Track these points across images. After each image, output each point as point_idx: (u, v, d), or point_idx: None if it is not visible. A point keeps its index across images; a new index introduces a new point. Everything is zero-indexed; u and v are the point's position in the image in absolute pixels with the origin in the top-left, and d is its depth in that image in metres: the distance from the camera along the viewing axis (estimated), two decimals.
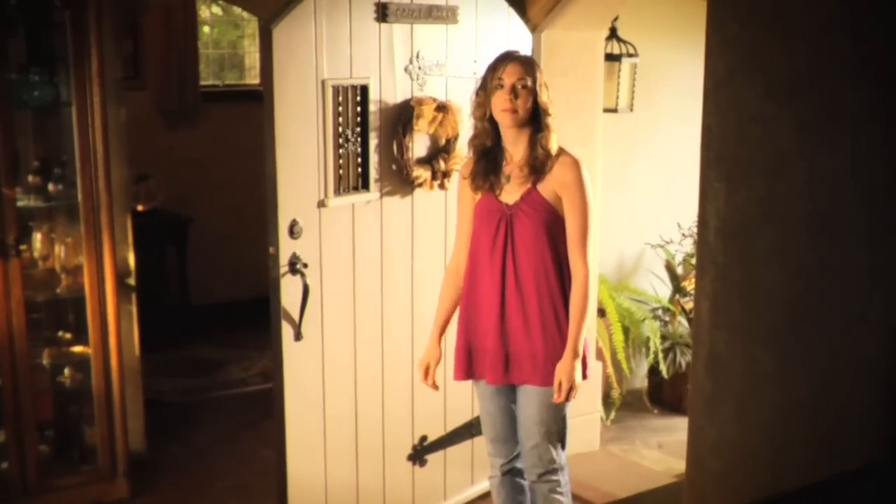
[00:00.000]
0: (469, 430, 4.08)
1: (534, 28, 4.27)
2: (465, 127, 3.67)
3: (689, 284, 5.32)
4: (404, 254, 3.82)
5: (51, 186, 3.89)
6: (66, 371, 4.02)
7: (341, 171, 3.55)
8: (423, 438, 3.97)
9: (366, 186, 3.64)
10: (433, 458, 4.01)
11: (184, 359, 5.90)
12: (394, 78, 3.67)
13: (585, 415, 4.61)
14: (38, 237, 3.92)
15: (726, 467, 2.31)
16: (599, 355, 4.92)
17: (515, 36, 4.10)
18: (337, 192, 3.53)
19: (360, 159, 3.61)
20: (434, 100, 3.77)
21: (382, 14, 3.58)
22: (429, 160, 3.82)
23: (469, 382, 3.29)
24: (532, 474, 3.18)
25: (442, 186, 3.86)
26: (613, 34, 4.91)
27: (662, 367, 5.17)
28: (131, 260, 4.29)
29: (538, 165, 3.02)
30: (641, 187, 5.44)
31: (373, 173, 3.64)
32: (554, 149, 3.04)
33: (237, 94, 6.92)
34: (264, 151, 3.35)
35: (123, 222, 4.21)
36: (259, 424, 4.76)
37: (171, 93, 6.47)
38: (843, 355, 2.12)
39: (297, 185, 3.42)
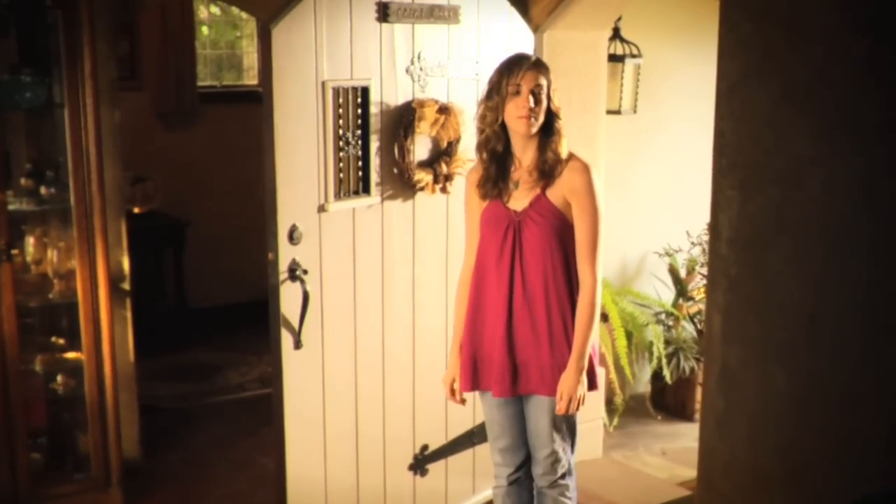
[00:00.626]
0: (470, 438, 4.02)
1: (536, 28, 4.20)
2: (468, 129, 3.61)
3: (697, 293, 5.27)
4: (405, 259, 3.75)
5: (43, 190, 3.81)
6: (59, 377, 3.94)
7: (342, 175, 3.48)
8: (425, 447, 3.91)
9: (367, 190, 3.57)
10: (434, 468, 3.95)
11: (180, 363, 5.83)
12: (395, 79, 3.60)
13: (588, 421, 4.55)
14: (30, 241, 3.84)
15: (738, 490, 2.22)
16: (602, 360, 4.86)
17: (517, 36, 4.03)
18: (337, 196, 3.46)
19: (360, 162, 3.54)
20: (436, 101, 3.70)
21: (383, 14, 3.51)
22: (430, 163, 3.76)
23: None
24: (544, 481, 3.15)
25: (444, 190, 3.79)
26: (617, 34, 4.85)
27: (666, 373, 5.12)
28: (125, 264, 4.21)
29: (548, 170, 2.95)
30: (645, 190, 5.38)
31: (374, 177, 3.57)
32: (564, 153, 2.98)
33: (235, 95, 6.86)
34: (263, 154, 3.28)
35: (118, 226, 4.14)
36: (257, 431, 4.72)
37: (169, 94, 6.40)
38: (864, 372, 2.04)
39: (297, 189, 3.35)
